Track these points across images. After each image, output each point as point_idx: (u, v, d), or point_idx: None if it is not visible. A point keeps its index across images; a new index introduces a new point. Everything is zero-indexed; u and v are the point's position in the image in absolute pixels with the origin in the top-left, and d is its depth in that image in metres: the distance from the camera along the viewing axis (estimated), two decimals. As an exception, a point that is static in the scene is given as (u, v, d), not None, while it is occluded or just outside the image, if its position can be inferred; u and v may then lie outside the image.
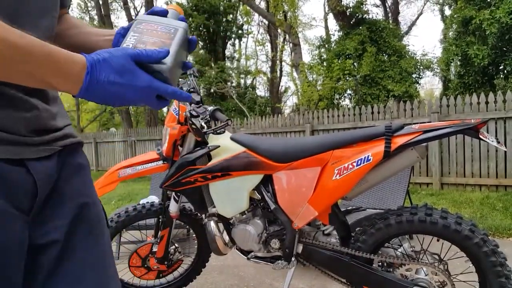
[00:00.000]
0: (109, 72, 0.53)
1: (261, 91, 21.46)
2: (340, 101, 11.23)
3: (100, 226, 0.68)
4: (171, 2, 15.71)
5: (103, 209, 0.72)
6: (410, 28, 18.11)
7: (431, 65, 11.29)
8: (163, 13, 0.69)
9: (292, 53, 14.27)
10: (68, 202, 0.63)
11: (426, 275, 1.39)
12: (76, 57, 0.51)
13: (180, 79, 1.92)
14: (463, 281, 1.42)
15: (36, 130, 0.59)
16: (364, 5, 10.98)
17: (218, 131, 1.48)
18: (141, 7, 17.21)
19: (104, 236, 0.69)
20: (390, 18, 14.75)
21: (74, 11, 18.89)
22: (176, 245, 1.95)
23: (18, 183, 0.54)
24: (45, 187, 0.59)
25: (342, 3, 10.87)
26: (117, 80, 0.53)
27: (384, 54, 10.58)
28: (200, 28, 15.29)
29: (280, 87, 18.82)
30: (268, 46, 17.78)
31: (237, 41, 18.15)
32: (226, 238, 1.70)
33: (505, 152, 4.48)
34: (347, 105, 11.07)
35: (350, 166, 1.36)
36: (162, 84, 0.57)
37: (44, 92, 0.61)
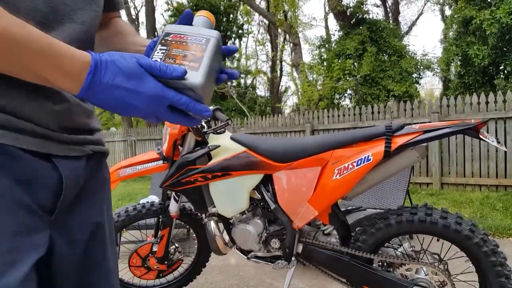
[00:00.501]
0: (115, 74, 0.48)
1: (261, 91, 21.49)
2: (340, 101, 11.24)
3: (110, 248, 0.66)
4: (171, 2, 15.70)
5: (114, 224, 0.71)
6: (410, 28, 18.11)
7: (431, 65, 11.29)
8: (191, 21, 0.62)
9: (292, 53, 14.27)
10: (89, 218, 0.61)
11: (426, 275, 1.39)
12: (79, 53, 0.47)
13: None
14: (463, 281, 1.42)
15: (67, 127, 0.56)
16: (364, 5, 10.99)
17: (218, 131, 1.49)
18: (141, 6, 17.20)
19: (110, 261, 0.65)
20: (390, 18, 14.75)
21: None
22: (176, 244, 1.95)
23: (42, 177, 0.51)
24: (71, 188, 0.56)
25: (343, 3, 10.87)
26: (123, 84, 0.48)
27: (385, 54, 10.58)
28: (201, 28, 15.23)
29: (280, 87, 18.82)
30: (268, 46, 17.80)
31: (237, 40, 18.15)
32: (226, 238, 1.70)
33: (505, 152, 4.48)
34: (347, 105, 11.08)
35: (350, 166, 1.36)
36: (174, 93, 0.51)
37: None
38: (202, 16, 0.63)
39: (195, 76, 0.53)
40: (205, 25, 0.62)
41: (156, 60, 0.54)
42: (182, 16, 0.62)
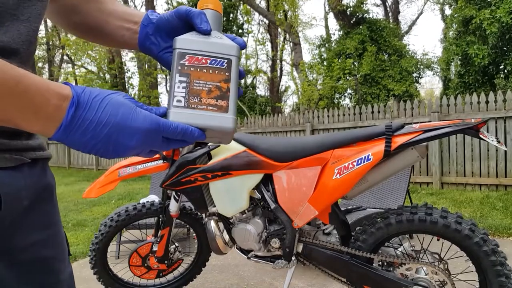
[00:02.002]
0: (102, 107, 0.40)
1: (261, 90, 21.50)
2: (340, 100, 11.24)
3: (57, 263, 0.55)
4: (171, 2, 15.68)
5: (65, 236, 0.60)
6: (410, 27, 18.10)
7: (431, 65, 11.29)
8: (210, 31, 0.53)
9: (292, 53, 14.26)
10: (33, 235, 0.51)
11: (426, 275, 1.39)
12: (55, 84, 0.39)
13: None
14: (463, 281, 1.42)
15: (5, 130, 0.45)
16: (364, 5, 10.98)
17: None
18: (141, 6, 17.20)
19: (60, 275, 0.55)
20: (390, 17, 14.74)
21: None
22: (176, 244, 1.95)
23: None
24: (12, 206, 0.46)
25: (343, 2, 10.86)
26: (111, 119, 0.41)
27: (384, 54, 10.59)
28: (200, 27, 15.21)
29: (280, 86, 18.82)
30: (268, 45, 17.78)
31: (237, 40, 18.10)
32: (226, 237, 1.70)
33: (505, 151, 4.49)
34: (347, 105, 11.07)
35: (350, 166, 1.35)
36: (170, 122, 0.46)
37: None
38: (210, 10, 0.55)
39: (226, 120, 0.49)
40: (216, 23, 0.54)
41: (180, 101, 0.49)
42: (192, 17, 0.53)
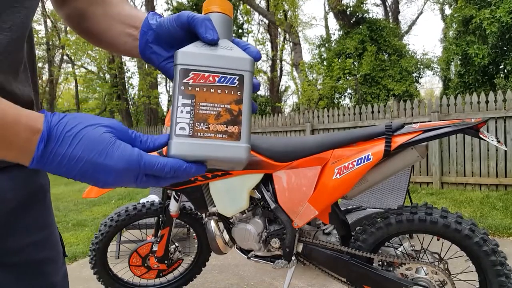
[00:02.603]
0: (74, 143, 0.38)
1: (261, 90, 21.45)
2: (340, 100, 11.24)
3: (50, 264, 0.54)
4: (171, 2, 15.67)
5: (60, 236, 0.59)
6: (410, 27, 18.10)
7: (431, 64, 11.29)
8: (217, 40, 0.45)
9: (292, 52, 14.26)
10: (25, 237, 0.50)
11: (426, 274, 1.39)
12: (26, 116, 0.37)
13: None
14: (463, 280, 1.42)
15: None
16: (364, 4, 10.98)
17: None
18: (141, 6, 17.19)
19: (53, 277, 0.54)
20: (390, 17, 14.74)
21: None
22: (176, 244, 1.95)
23: None
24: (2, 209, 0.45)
25: (342, 2, 10.86)
26: (84, 155, 0.38)
27: (384, 53, 10.59)
28: (200, 27, 15.19)
29: (280, 86, 18.81)
30: (268, 45, 17.77)
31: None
32: (226, 237, 1.70)
33: (505, 151, 4.48)
34: (347, 104, 11.08)
35: (350, 166, 1.35)
36: (154, 160, 0.41)
37: None
38: (217, 13, 0.46)
39: (238, 150, 0.42)
40: (224, 28, 0.46)
41: (184, 128, 0.42)
42: (215, 34, 0.45)
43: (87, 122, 0.39)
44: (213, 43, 0.44)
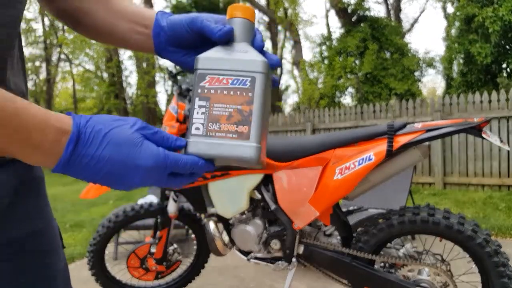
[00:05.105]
0: (104, 143, 0.39)
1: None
2: (342, 99, 11.22)
3: (50, 255, 0.55)
4: (170, 0, 15.67)
5: (58, 228, 0.60)
6: (412, 25, 18.05)
7: (434, 63, 11.25)
8: (231, 36, 0.48)
9: (293, 51, 14.25)
10: (22, 229, 0.50)
11: (428, 276, 1.37)
12: (55, 118, 0.37)
13: (179, 77, 1.89)
14: (466, 282, 1.41)
15: None
16: (365, 2, 10.95)
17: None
18: (140, 3, 17.19)
19: (54, 267, 0.55)
20: (392, 15, 14.70)
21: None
22: (175, 245, 1.93)
23: None
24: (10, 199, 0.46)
25: (343, 0, 10.83)
26: (114, 156, 0.39)
27: (386, 52, 10.56)
28: (200, 26, 15.21)
29: (280, 85, 18.80)
30: (268, 43, 17.75)
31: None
32: (226, 238, 1.68)
33: (508, 151, 4.45)
34: (349, 104, 11.06)
35: (352, 166, 1.33)
36: (178, 157, 0.43)
37: None
38: (239, 19, 0.48)
39: (246, 150, 0.44)
40: (245, 31, 0.48)
41: (198, 128, 0.45)
42: (226, 32, 0.47)
43: (114, 123, 0.41)
44: (221, 40, 0.47)
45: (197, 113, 0.46)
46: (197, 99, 0.46)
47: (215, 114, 0.45)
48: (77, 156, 0.38)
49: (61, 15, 0.61)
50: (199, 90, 0.46)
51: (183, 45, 0.54)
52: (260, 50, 0.49)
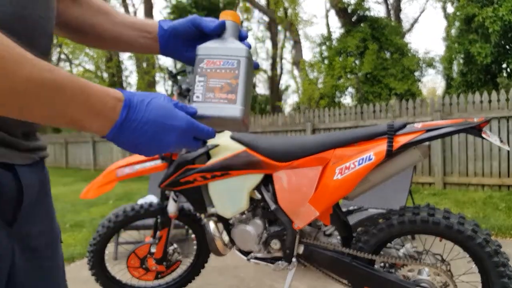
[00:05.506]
0: (149, 109, 0.49)
1: (261, 89, 21.45)
2: (342, 99, 11.21)
3: (56, 248, 0.62)
4: (171, 1, 15.65)
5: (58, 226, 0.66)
6: (412, 25, 18.05)
7: (434, 63, 11.25)
8: (222, 30, 0.64)
9: (293, 51, 14.24)
10: (43, 225, 0.58)
11: (428, 276, 1.37)
12: (112, 90, 0.47)
13: (179, 77, 1.89)
14: (466, 282, 1.40)
15: (27, 133, 0.54)
16: (365, 2, 10.94)
17: (218, 130, 1.46)
18: (140, 3, 17.18)
19: (59, 260, 0.62)
20: (392, 15, 14.70)
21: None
22: (175, 245, 1.93)
23: (5, 188, 0.48)
24: (30, 197, 0.53)
25: (343, 0, 10.82)
26: (157, 119, 0.49)
27: (386, 52, 10.55)
28: (200, 26, 15.21)
29: (280, 85, 18.80)
30: (268, 43, 17.75)
31: (237, 39, 18.07)
32: (226, 238, 1.68)
33: (508, 151, 4.45)
34: (349, 104, 11.05)
35: (352, 166, 1.33)
36: (201, 125, 0.55)
37: None
38: (229, 21, 0.65)
39: (235, 110, 0.59)
40: (233, 30, 0.65)
41: (198, 97, 0.60)
42: (218, 25, 0.64)
43: (151, 95, 0.51)
44: (214, 32, 0.64)
45: (197, 86, 0.61)
46: (197, 76, 0.61)
47: (211, 86, 0.60)
48: (128, 121, 0.47)
49: (68, 30, 0.69)
50: (199, 70, 0.62)
51: (184, 41, 0.68)
52: (244, 41, 0.65)
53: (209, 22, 0.64)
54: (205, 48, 0.63)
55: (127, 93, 0.48)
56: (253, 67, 0.65)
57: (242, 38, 0.65)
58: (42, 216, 0.58)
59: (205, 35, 0.65)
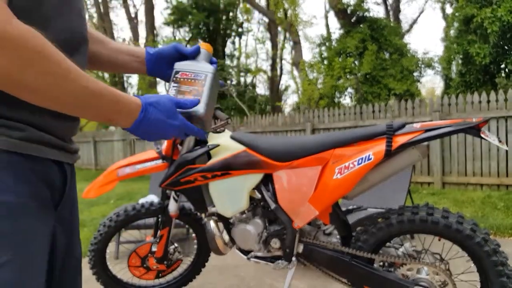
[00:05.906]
0: (158, 112, 0.67)
1: (261, 89, 21.46)
2: (341, 99, 11.22)
3: (77, 236, 0.78)
4: (170, 0, 15.66)
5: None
6: (411, 26, 18.06)
7: (433, 64, 11.26)
8: (196, 53, 0.83)
9: (293, 51, 14.25)
10: (74, 214, 0.74)
11: (427, 275, 1.38)
12: (133, 98, 0.65)
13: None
14: (465, 281, 1.41)
15: (71, 138, 0.71)
16: (364, 3, 10.95)
17: (218, 130, 1.47)
18: (141, 5, 17.17)
19: (79, 249, 0.79)
20: (391, 16, 14.72)
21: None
22: (176, 244, 1.94)
23: (57, 180, 0.65)
24: (70, 188, 0.69)
25: (343, 1, 10.84)
26: (163, 118, 0.67)
27: (385, 52, 10.57)
28: (200, 26, 15.24)
29: (280, 85, 18.79)
30: (268, 44, 17.75)
31: (237, 39, 18.11)
32: (226, 237, 1.69)
33: (507, 151, 4.47)
34: (348, 104, 11.06)
35: (351, 165, 1.34)
36: (191, 125, 0.73)
37: None
38: (203, 50, 0.85)
39: (199, 107, 0.75)
40: (205, 56, 0.84)
41: (174, 96, 0.77)
42: (190, 52, 0.84)
43: (159, 97, 0.69)
44: (192, 55, 0.84)
45: (171, 90, 0.78)
46: (172, 83, 0.79)
47: (182, 90, 0.78)
48: (144, 118, 0.65)
49: None
50: (174, 78, 0.79)
51: (167, 63, 0.87)
52: (213, 64, 0.85)
53: (188, 47, 0.85)
54: (181, 64, 0.81)
55: (143, 99, 0.66)
56: (219, 85, 0.84)
57: (212, 63, 0.84)
58: (74, 206, 0.75)
59: (184, 57, 0.84)
